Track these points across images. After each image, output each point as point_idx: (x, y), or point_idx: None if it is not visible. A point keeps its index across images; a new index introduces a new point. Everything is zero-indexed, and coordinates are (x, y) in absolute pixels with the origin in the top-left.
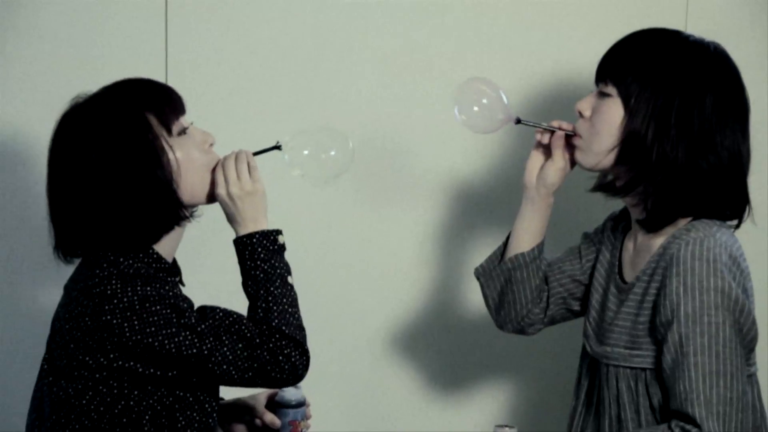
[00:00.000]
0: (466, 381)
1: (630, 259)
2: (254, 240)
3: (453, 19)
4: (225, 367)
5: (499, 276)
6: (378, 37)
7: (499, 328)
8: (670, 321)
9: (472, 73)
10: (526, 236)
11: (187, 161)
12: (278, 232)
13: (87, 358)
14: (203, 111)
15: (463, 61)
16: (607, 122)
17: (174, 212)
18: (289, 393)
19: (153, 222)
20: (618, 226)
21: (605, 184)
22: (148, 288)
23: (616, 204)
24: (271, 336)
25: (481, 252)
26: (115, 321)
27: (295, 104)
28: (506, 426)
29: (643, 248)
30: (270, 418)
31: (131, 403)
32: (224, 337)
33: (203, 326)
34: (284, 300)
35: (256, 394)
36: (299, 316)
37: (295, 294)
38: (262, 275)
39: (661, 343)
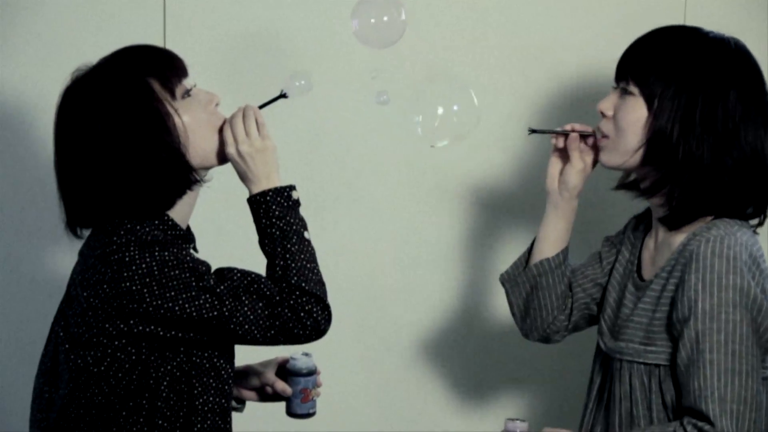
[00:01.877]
0: (481, 379)
1: (650, 256)
2: (268, 197)
3: (459, 24)
4: (247, 327)
5: (525, 283)
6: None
7: (524, 337)
8: (687, 317)
9: (484, 79)
10: (550, 242)
11: (194, 123)
12: (292, 187)
13: (107, 325)
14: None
15: (471, 67)
16: (630, 121)
17: (184, 176)
18: (301, 361)
19: (164, 188)
20: (640, 224)
21: (629, 183)
22: (166, 253)
23: (634, 204)
24: (291, 293)
25: (506, 257)
26: (134, 287)
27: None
28: (517, 419)
29: (663, 246)
30: (281, 386)
31: (150, 369)
32: (244, 297)
33: (222, 288)
34: (302, 256)
35: (267, 362)
36: (318, 271)
37: (312, 249)
38: (278, 233)
39: (676, 340)
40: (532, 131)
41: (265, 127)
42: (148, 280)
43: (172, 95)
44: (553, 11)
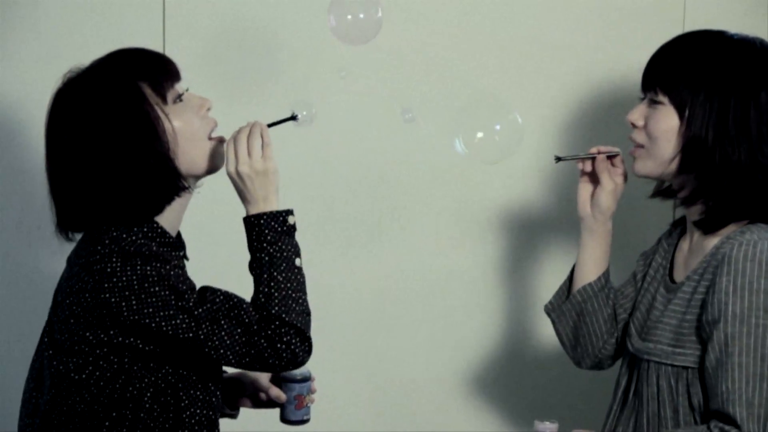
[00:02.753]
0: (509, 381)
1: (683, 259)
2: (262, 221)
3: (456, 23)
4: (222, 351)
5: (571, 310)
6: (413, 60)
7: (576, 365)
8: (716, 320)
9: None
10: (590, 266)
11: (185, 128)
12: (288, 212)
13: (87, 334)
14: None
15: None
16: (663, 130)
17: (172, 183)
18: None
19: (152, 193)
20: (675, 229)
21: (665, 190)
22: (148, 267)
23: (650, 214)
24: (270, 323)
25: (544, 281)
26: (113, 300)
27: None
28: (547, 420)
29: (697, 249)
30: (276, 392)
31: (133, 380)
32: (222, 322)
33: (201, 310)
34: (287, 285)
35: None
36: (304, 300)
37: (301, 278)
38: (267, 258)
39: (706, 343)
40: (559, 159)
41: (270, 147)
42: (127, 293)
43: (164, 100)
44: (550, 12)
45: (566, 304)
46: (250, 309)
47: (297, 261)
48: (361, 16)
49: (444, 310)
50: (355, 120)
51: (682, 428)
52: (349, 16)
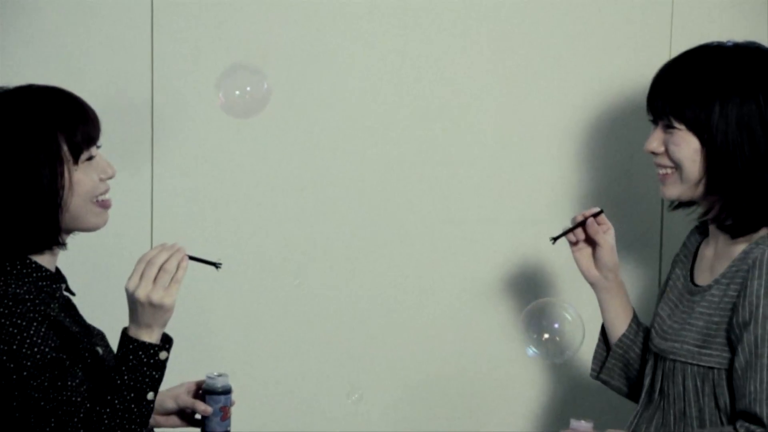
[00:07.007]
0: (544, 381)
1: (708, 264)
2: (132, 346)
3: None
4: None
5: (616, 365)
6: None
7: None
8: (747, 322)
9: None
10: (618, 320)
11: (81, 186)
12: (162, 347)
13: None
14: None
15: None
16: (686, 154)
17: (49, 236)
18: (218, 380)
19: (26, 240)
20: (693, 234)
21: (685, 201)
22: (4, 333)
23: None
24: None
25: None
26: None
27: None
28: (582, 419)
29: (723, 253)
30: (202, 407)
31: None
32: (43, 420)
33: (33, 400)
34: (125, 415)
35: (177, 387)
36: None
37: (146, 411)
38: (119, 382)
39: (733, 345)
40: (555, 239)
41: (177, 284)
42: None
43: (75, 160)
44: (539, 18)
45: (609, 361)
46: (80, 425)
47: (149, 395)
48: (249, 89)
49: (478, 313)
50: (358, 148)
51: (708, 428)
52: (237, 92)
